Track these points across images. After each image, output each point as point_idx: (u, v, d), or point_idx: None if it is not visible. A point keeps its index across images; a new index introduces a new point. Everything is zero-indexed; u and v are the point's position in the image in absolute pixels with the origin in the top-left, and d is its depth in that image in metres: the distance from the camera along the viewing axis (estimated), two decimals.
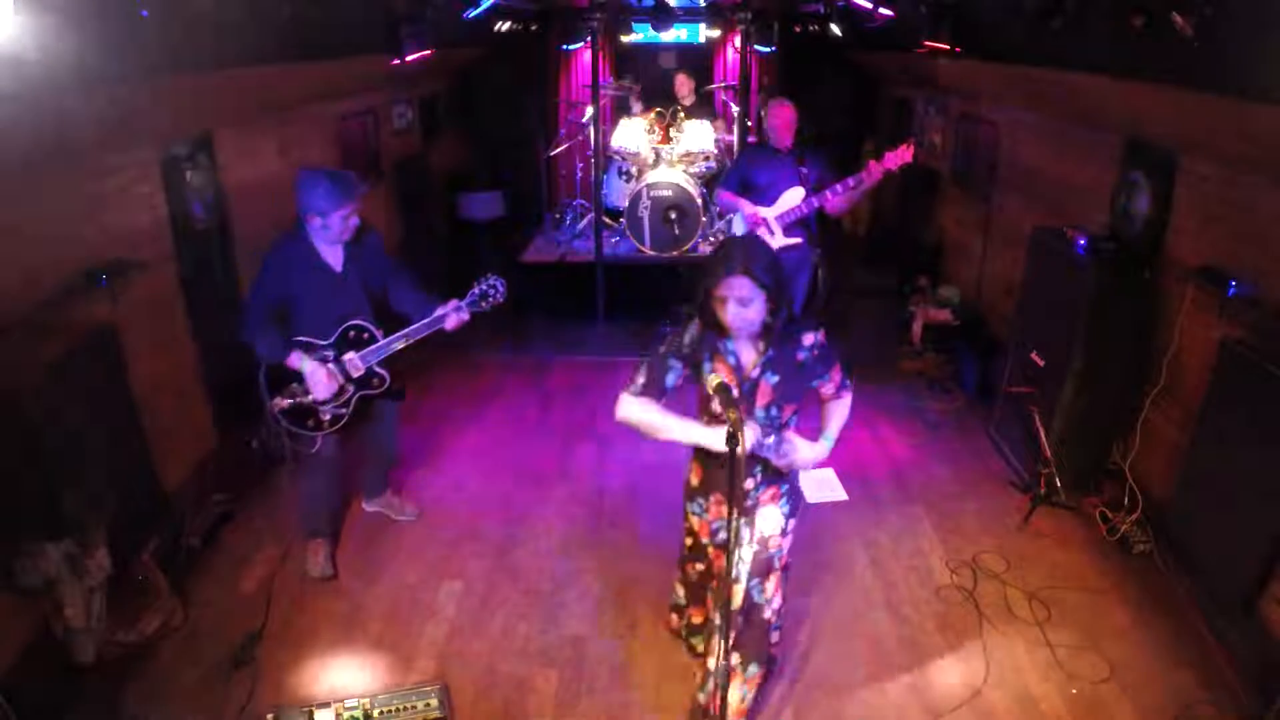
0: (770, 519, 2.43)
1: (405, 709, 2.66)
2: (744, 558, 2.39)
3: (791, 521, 2.49)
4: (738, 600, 2.38)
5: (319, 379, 3.09)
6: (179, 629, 3.11)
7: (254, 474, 4.06)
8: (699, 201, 6.26)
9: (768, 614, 2.52)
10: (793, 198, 4.54)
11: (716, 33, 8.51)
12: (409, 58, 4.76)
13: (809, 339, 2.29)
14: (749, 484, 2.38)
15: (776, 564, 2.48)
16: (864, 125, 8.37)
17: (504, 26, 6.63)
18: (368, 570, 3.50)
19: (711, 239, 6.50)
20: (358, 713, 2.64)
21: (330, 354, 3.15)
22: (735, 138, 7.03)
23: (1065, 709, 2.77)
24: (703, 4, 7.09)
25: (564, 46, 8.38)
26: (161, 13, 2.38)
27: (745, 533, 2.40)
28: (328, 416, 3.21)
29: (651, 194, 6.24)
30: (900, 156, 4.36)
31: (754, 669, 2.51)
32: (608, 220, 6.53)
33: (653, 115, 7.18)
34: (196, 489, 3.74)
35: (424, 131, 7.10)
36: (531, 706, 2.83)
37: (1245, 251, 3.04)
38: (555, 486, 4.14)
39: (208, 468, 3.88)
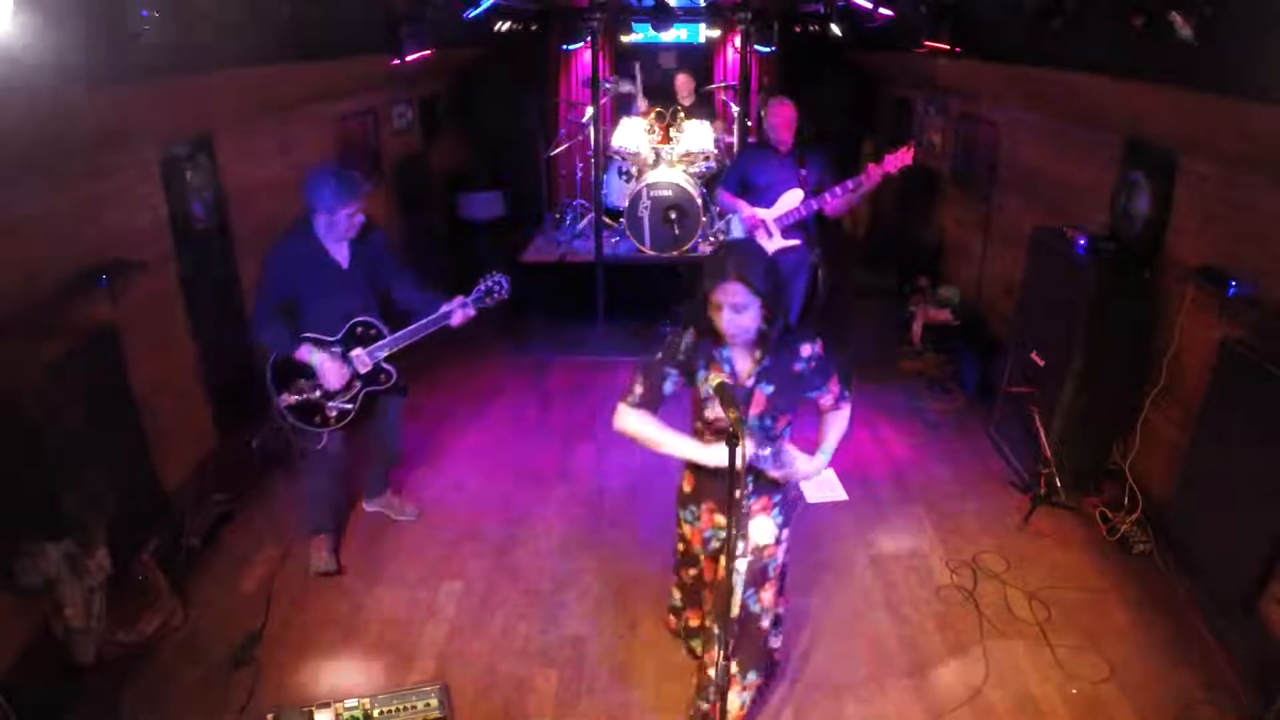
0: (763, 529, 2.41)
1: (405, 709, 2.66)
2: (738, 569, 2.37)
3: (785, 531, 2.47)
4: (735, 609, 2.37)
5: (330, 370, 3.11)
6: (179, 629, 3.11)
7: (254, 474, 4.07)
8: (699, 201, 6.26)
9: (765, 623, 2.51)
10: (791, 200, 4.53)
11: (716, 33, 8.51)
12: (409, 58, 4.76)
13: (806, 350, 2.27)
14: (740, 493, 2.36)
15: (771, 573, 2.46)
16: (864, 125, 8.37)
17: (504, 26, 6.63)
18: (368, 570, 3.50)
19: (711, 239, 6.50)
20: (357, 713, 2.64)
21: (338, 350, 3.17)
22: (735, 138, 7.02)
23: (1065, 709, 2.77)
24: (703, 4, 7.09)
25: (564, 46, 8.38)
26: (162, 13, 2.38)
27: (739, 544, 2.38)
28: (334, 413, 3.23)
29: (651, 194, 6.24)
30: (900, 159, 4.35)
31: (752, 676, 2.51)
32: (608, 220, 6.53)
33: (653, 115, 7.18)
34: (196, 489, 3.74)
35: (424, 131, 7.10)
36: (531, 706, 2.83)
37: (1245, 251, 3.04)
38: (555, 486, 4.14)
39: (208, 468, 3.88)
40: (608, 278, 6.17)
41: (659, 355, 2.29)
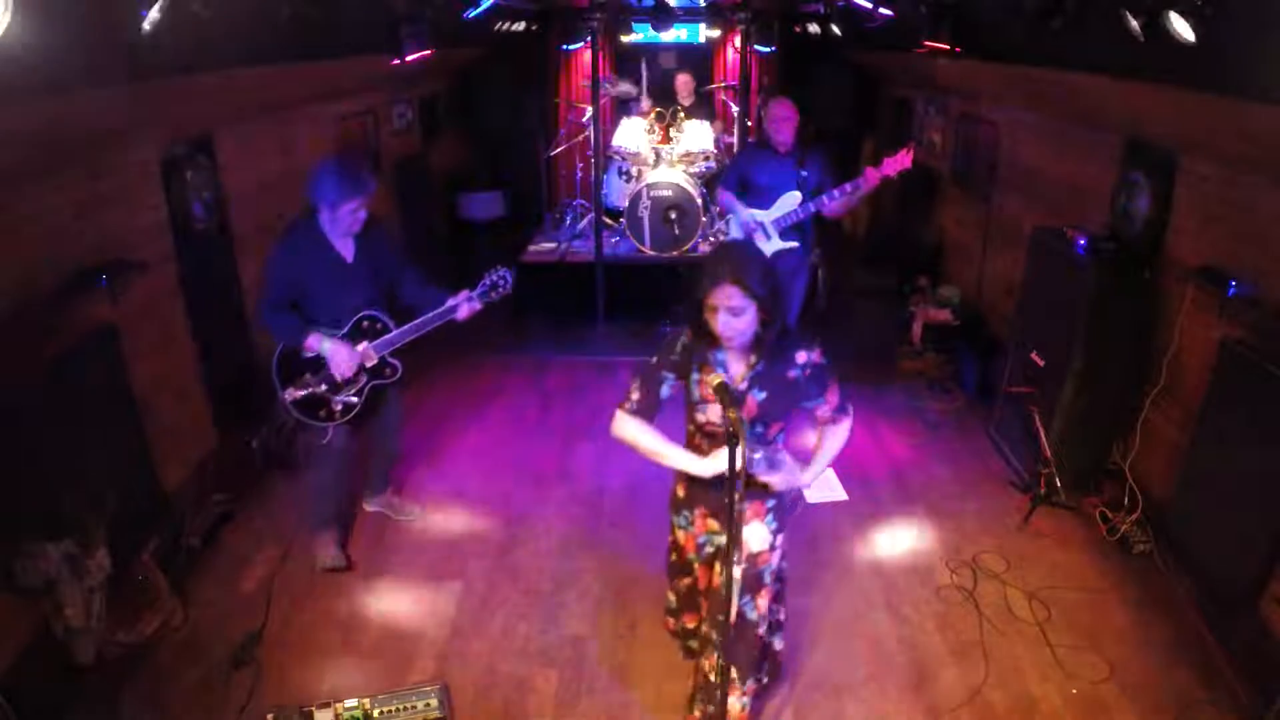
0: (756, 536, 2.38)
1: (405, 709, 2.66)
2: (734, 576, 2.35)
3: (780, 536, 2.44)
4: (732, 616, 2.35)
5: (340, 356, 3.12)
6: (179, 629, 3.11)
7: (254, 474, 4.07)
8: (699, 201, 6.26)
9: (763, 629, 2.50)
10: (789, 202, 4.53)
11: (716, 33, 8.51)
12: (409, 58, 4.76)
13: (802, 356, 2.23)
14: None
15: (767, 579, 2.44)
16: (864, 125, 8.37)
17: (505, 26, 6.63)
18: (368, 570, 3.50)
19: (711, 239, 6.50)
20: (357, 713, 2.64)
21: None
22: (735, 138, 7.02)
23: (1065, 709, 2.77)
24: (703, 4, 7.09)
25: (564, 46, 8.38)
26: (162, 12, 2.38)
27: (731, 554, 2.36)
28: (339, 406, 3.23)
29: (651, 194, 6.23)
30: (899, 162, 4.34)
31: (750, 682, 2.50)
32: (608, 220, 6.53)
33: (653, 115, 7.18)
34: (196, 489, 3.74)
35: (424, 131, 7.10)
36: (531, 706, 2.83)
37: (1245, 251, 3.04)
38: (555, 486, 4.14)
39: (208, 468, 3.88)
40: (608, 278, 6.17)
41: (655, 359, 2.28)
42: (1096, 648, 3.02)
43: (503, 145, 8.14)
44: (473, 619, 3.23)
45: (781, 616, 2.69)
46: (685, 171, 6.50)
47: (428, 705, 2.67)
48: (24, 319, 2.76)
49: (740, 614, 2.40)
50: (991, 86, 5.12)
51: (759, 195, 4.62)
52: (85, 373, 3.00)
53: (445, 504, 3.99)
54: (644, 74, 7.48)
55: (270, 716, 2.63)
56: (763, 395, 2.21)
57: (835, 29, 6.38)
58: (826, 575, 3.46)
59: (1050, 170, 4.65)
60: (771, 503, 2.39)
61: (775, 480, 2.29)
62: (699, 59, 8.55)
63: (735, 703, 2.45)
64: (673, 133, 7.02)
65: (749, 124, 6.76)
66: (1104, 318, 3.57)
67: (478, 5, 5.19)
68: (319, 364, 3.16)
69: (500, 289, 3.32)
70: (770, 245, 4.60)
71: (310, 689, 2.86)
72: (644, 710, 2.80)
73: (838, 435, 2.39)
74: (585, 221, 7.09)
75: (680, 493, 2.48)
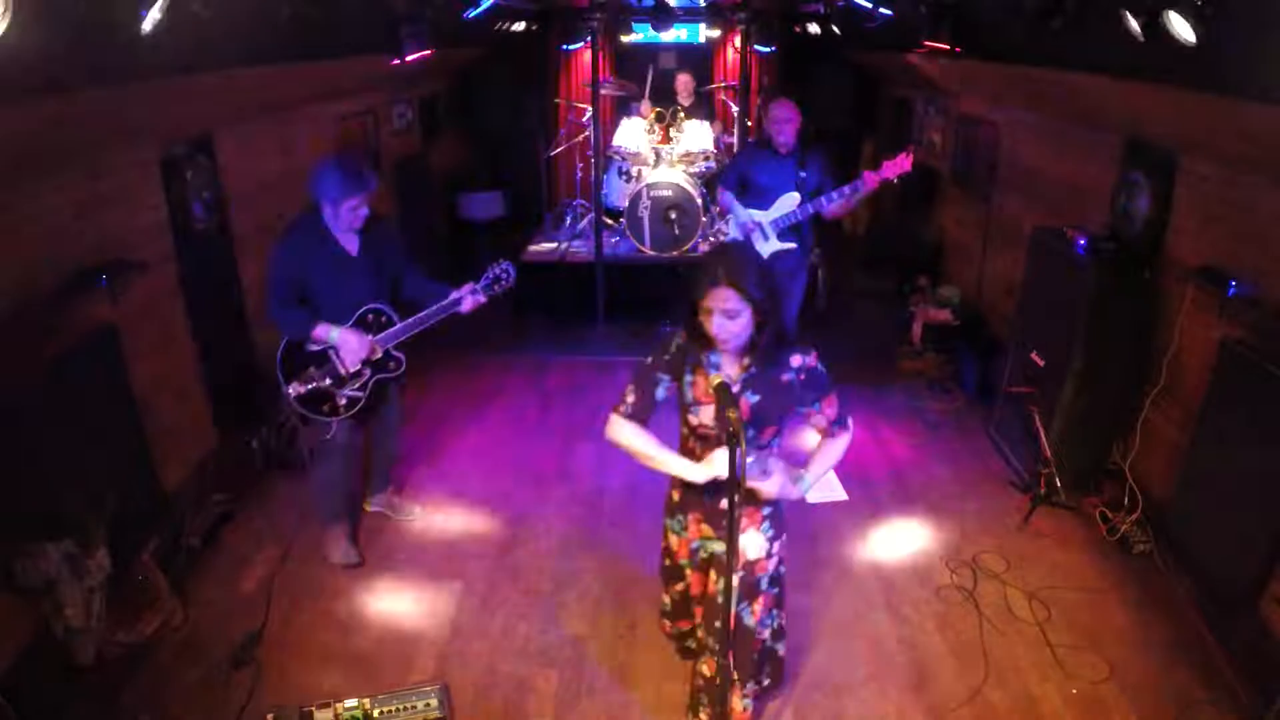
0: (752, 544, 2.36)
1: (405, 709, 2.66)
2: (732, 584, 2.31)
3: (776, 544, 2.41)
4: (730, 623, 2.33)
5: (350, 345, 3.14)
6: (179, 629, 3.11)
7: (254, 474, 4.07)
8: (699, 201, 6.26)
9: (765, 635, 2.49)
10: (788, 203, 4.53)
11: (716, 33, 8.51)
12: (409, 58, 4.76)
13: (797, 360, 2.19)
14: (726, 504, 2.33)
15: (763, 585, 2.42)
16: (864, 125, 8.37)
17: (505, 26, 6.63)
18: (368, 570, 3.50)
19: (711, 239, 6.50)
20: (357, 713, 2.64)
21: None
22: (735, 138, 7.02)
23: (1065, 709, 2.77)
24: (703, 4, 7.09)
25: (564, 46, 8.37)
26: (162, 12, 2.38)
27: (726, 561, 2.34)
28: (344, 400, 3.24)
29: (651, 194, 6.23)
30: (898, 166, 4.33)
31: (750, 685, 2.50)
32: (608, 220, 6.53)
33: (653, 115, 7.18)
34: (196, 489, 3.74)
35: (424, 131, 7.10)
36: (531, 706, 2.83)
37: (1245, 251, 3.04)
38: (555, 486, 4.14)
39: (208, 468, 3.88)
40: (608, 278, 6.17)
41: (650, 360, 2.26)
42: (1096, 648, 3.02)
43: (503, 145, 8.14)
44: (473, 619, 3.23)
45: (783, 622, 2.66)
46: (685, 171, 6.50)
47: (428, 705, 2.67)
48: (24, 319, 2.76)
49: (737, 619, 2.38)
50: (991, 86, 5.12)
51: (758, 195, 4.62)
52: (85, 373, 3.00)
53: (445, 504, 3.99)
54: (649, 78, 7.46)
55: (270, 716, 2.63)
56: (756, 398, 2.19)
57: (835, 29, 6.38)
58: (826, 575, 3.45)
59: (1050, 170, 4.65)
60: (768, 510, 2.37)
61: (766, 487, 2.25)
62: (699, 59, 8.55)
63: (737, 703, 2.45)
64: (673, 133, 7.02)
65: (749, 124, 6.76)
66: (1104, 318, 3.57)
67: (478, 5, 5.19)
68: (323, 358, 3.17)
69: (503, 282, 3.35)
70: (768, 246, 4.60)
71: (310, 689, 2.85)
72: (644, 710, 2.80)
73: (833, 450, 2.34)
74: (585, 221, 7.09)
75: (675, 497, 2.47)
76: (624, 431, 2.27)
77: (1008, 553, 3.55)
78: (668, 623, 2.77)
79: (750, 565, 2.37)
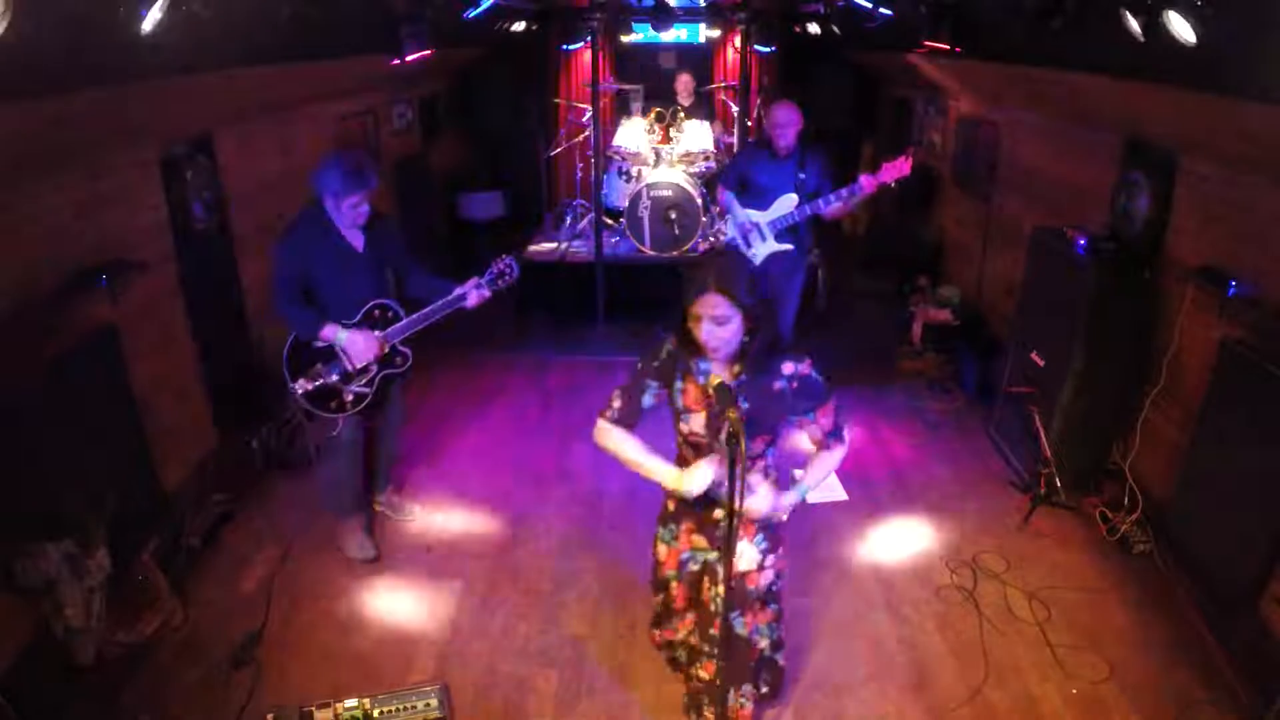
0: (744, 556, 2.32)
1: (405, 709, 2.66)
2: (720, 594, 2.27)
3: (771, 557, 2.37)
4: (724, 631, 2.31)
5: (358, 345, 3.15)
6: (179, 629, 3.11)
7: (254, 474, 4.07)
8: (699, 201, 6.26)
9: (764, 644, 2.47)
10: (786, 204, 4.53)
11: (716, 33, 8.51)
12: (409, 58, 4.76)
13: (789, 368, 2.14)
14: (718, 513, 2.28)
15: (756, 599, 2.39)
16: (864, 125, 8.37)
17: (505, 26, 6.63)
18: (368, 570, 3.50)
19: (711, 239, 6.50)
20: (357, 713, 2.64)
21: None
22: (735, 138, 7.02)
23: (1065, 709, 2.77)
24: (703, 4, 7.08)
25: (564, 46, 8.37)
26: (162, 12, 2.38)
27: (719, 570, 2.31)
28: (350, 397, 3.24)
29: (651, 194, 6.23)
30: (897, 169, 4.33)
31: (747, 688, 2.49)
32: (608, 220, 6.53)
33: (653, 115, 7.18)
34: (196, 489, 3.74)
35: (424, 131, 7.10)
36: (531, 706, 2.83)
37: (1245, 251, 3.04)
38: (555, 486, 4.14)
39: (208, 468, 3.88)
40: (608, 278, 6.17)
41: (639, 365, 2.25)
42: (1096, 648, 3.02)
43: (503, 145, 8.14)
44: (473, 619, 3.23)
45: (782, 634, 2.61)
46: (685, 171, 6.50)
47: (428, 705, 2.67)
48: (24, 319, 2.76)
49: (730, 627, 2.34)
50: (991, 86, 5.12)
51: (757, 195, 4.62)
52: (85, 373, 3.00)
53: (445, 504, 3.99)
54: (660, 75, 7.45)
55: (270, 716, 2.63)
56: (746, 406, 2.13)
57: (835, 29, 6.38)
58: (826, 575, 3.45)
59: (1050, 170, 4.65)
60: (761, 521, 2.32)
61: (752, 503, 2.19)
62: (699, 59, 8.55)
63: (735, 703, 2.45)
64: (673, 133, 7.02)
65: (749, 124, 6.76)
66: (1104, 318, 3.57)
67: (478, 5, 5.19)
68: (330, 354, 3.17)
69: (507, 277, 3.37)
70: (765, 246, 4.60)
71: (310, 689, 2.85)
72: (644, 710, 2.80)
73: (826, 463, 2.31)
74: (585, 221, 7.08)
75: (670, 506, 2.44)
76: (610, 436, 2.27)
77: (1008, 553, 3.55)
78: (655, 632, 2.74)
79: (742, 576, 2.34)
